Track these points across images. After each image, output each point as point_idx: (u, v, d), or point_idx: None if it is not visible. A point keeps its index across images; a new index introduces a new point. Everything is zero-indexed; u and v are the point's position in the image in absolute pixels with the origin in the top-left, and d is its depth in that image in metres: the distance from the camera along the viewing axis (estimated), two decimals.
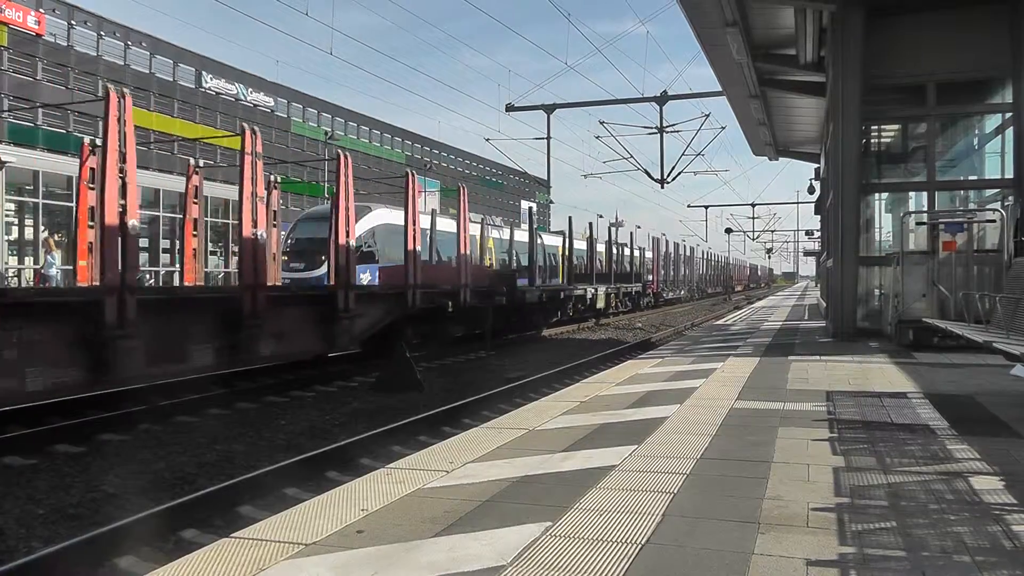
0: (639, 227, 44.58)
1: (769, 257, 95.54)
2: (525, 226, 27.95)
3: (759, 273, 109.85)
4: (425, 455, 4.97)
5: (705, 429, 5.48)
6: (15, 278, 20.51)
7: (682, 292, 46.70)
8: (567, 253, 28.39)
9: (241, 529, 3.56)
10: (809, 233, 61.83)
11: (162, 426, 9.02)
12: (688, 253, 49.43)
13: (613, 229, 39.43)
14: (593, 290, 27.24)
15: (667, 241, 45.65)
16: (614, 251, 33.98)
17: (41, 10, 44.78)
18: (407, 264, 15.08)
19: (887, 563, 2.93)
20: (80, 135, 45.82)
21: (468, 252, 17.82)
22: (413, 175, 15.42)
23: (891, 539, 3.19)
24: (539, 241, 27.48)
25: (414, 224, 15.14)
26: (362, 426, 9.04)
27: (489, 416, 8.50)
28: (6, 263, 19.80)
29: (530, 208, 28.01)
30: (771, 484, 4.01)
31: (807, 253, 74.13)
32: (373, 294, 14.87)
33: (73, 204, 22.50)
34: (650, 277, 39.85)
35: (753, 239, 70.28)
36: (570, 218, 28.06)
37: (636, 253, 38.09)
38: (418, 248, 15.28)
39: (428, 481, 4.19)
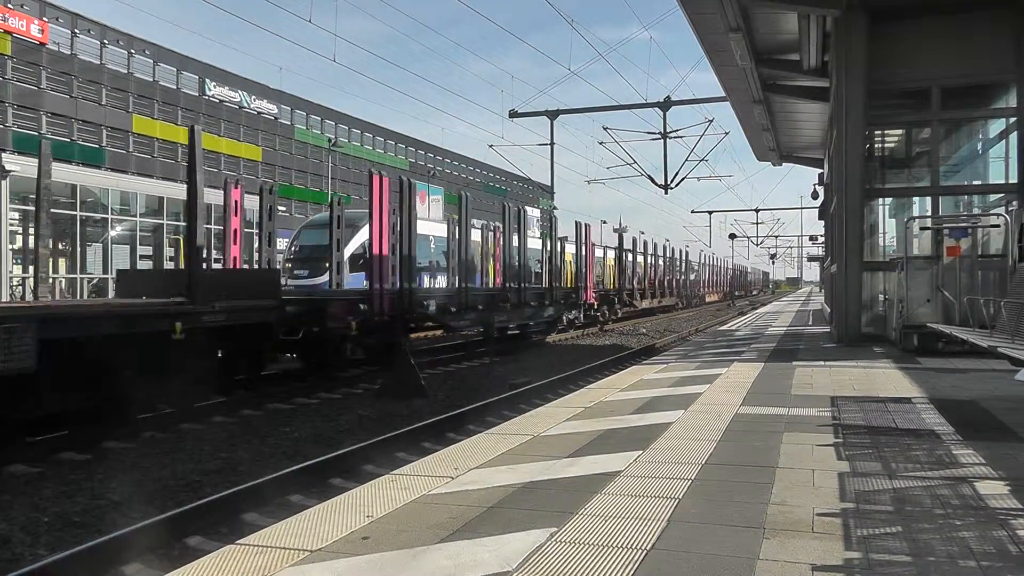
0: (642, 232, 40.01)
1: (773, 262, 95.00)
2: None
3: (748, 277, 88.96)
4: (429, 461, 4.97)
5: (710, 435, 5.47)
6: (19, 287, 20.57)
7: (575, 314, 24.72)
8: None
9: (246, 536, 3.57)
10: (813, 238, 61.72)
11: (167, 434, 9.03)
12: (608, 240, 28.52)
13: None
14: None
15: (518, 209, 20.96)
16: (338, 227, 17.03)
17: (44, 19, 44.99)
18: None
19: (893, 568, 2.93)
20: (84, 144, 46.18)
21: None
22: None
23: (897, 544, 3.19)
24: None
25: None
26: (366, 433, 9.04)
27: (493, 422, 8.48)
28: (11, 272, 19.87)
29: None
30: (776, 489, 4.01)
31: (811, 258, 74.00)
32: None
33: (76, 213, 22.73)
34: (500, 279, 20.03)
35: (757, 244, 70.31)
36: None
37: (479, 236, 21.38)
38: None
39: (433, 487, 4.19)
